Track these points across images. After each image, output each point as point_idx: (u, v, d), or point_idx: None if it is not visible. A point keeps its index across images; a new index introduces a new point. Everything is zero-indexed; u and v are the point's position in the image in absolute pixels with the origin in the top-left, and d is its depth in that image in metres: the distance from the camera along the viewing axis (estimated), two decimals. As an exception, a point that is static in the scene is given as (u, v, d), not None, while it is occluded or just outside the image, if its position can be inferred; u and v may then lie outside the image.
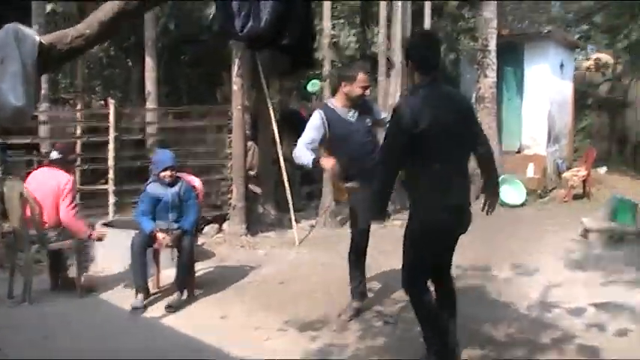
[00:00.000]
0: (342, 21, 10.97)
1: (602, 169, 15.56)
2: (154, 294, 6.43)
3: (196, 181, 6.72)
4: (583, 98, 18.22)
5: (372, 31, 11.69)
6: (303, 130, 13.57)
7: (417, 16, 11.82)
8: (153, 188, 6.31)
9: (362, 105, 5.66)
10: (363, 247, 5.69)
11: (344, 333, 5.39)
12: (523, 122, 13.86)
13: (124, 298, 6.33)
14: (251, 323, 5.58)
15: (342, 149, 5.43)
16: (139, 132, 9.49)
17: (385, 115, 5.93)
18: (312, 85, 14.75)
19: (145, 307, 6.02)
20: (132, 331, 5.50)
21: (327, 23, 10.05)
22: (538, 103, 13.73)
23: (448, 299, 4.63)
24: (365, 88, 5.49)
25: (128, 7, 2.46)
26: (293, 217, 9.37)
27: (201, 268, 7.23)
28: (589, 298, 6.14)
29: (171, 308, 5.97)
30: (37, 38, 2.53)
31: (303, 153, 5.37)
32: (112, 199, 8.17)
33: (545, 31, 13.67)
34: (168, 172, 6.25)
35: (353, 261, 5.75)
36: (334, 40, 10.48)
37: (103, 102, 14.50)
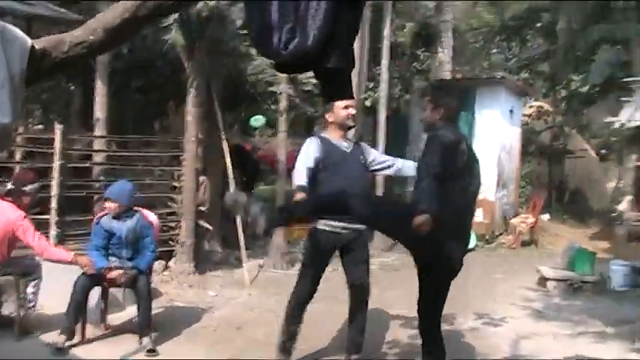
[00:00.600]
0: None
1: (545, 217, 15.70)
2: (100, 336, 5.89)
3: (152, 217, 6.23)
4: (525, 145, 18.46)
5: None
6: (248, 164, 12.97)
7: (373, 54, 11.69)
8: (107, 222, 5.79)
9: (356, 143, 5.35)
10: (310, 295, 5.17)
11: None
12: (473, 166, 13.76)
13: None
14: (211, 373, 5.12)
15: (333, 180, 4.96)
16: (81, 159, 8.90)
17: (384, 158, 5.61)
18: (256, 121, 14.40)
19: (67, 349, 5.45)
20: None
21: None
22: (488, 148, 13.68)
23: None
24: (347, 107, 5.09)
25: (141, 12, 2.04)
26: (244, 256, 8.94)
27: (150, 308, 6.70)
28: (562, 353, 5.94)
29: (154, 352, 5.49)
30: (29, 42, 2.06)
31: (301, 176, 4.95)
32: (53, 231, 7.55)
33: (499, 76, 13.72)
34: (109, 204, 5.74)
35: (293, 309, 5.17)
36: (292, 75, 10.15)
37: (41, 126, 13.77)
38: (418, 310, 4.43)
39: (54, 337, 5.59)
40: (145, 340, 5.57)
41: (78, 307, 5.52)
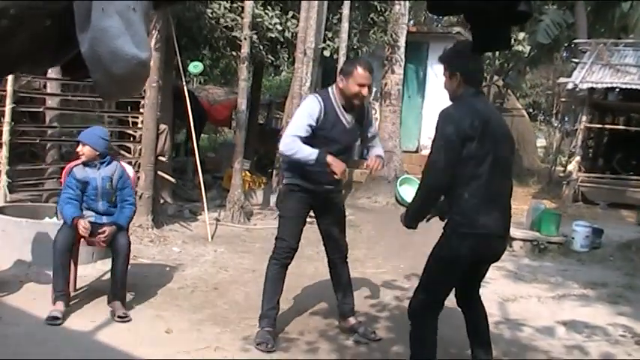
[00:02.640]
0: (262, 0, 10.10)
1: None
2: (72, 297, 5.36)
3: (129, 168, 5.71)
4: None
5: (288, 15, 10.85)
6: (196, 112, 12.24)
7: (335, 6, 11.25)
8: (79, 171, 5.20)
9: (360, 112, 4.86)
10: (290, 260, 4.83)
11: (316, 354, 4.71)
12: (423, 122, 13.66)
13: (30, 302, 5.24)
14: (206, 341, 4.73)
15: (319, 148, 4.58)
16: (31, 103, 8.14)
17: (375, 133, 5.20)
18: (195, 67, 13.77)
19: (64, 317, 4.91)
20: (60, 350, 4.45)
21: (249, 1, 9.19)
22: (439, 104, 13.49)
23: (479, 324, 4.28)
24: (362, 85, 4.57)
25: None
26: (206, 210, 8.52)
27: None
28: (552, 316, 5.87)
29: (126, 317, 5.00)
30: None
31: (299, 146, 4.43)
32: (3, 180, 6.90)
33: (454, 31, 13.49)
34: (82, 148, 5.18)
35: (274, 275, 4.80)
36: (257, 20, 9.60)
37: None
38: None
39: (15, 298, 5.13)
40: (117, 304, 5.07)
41: (62, 267, 5.00)
